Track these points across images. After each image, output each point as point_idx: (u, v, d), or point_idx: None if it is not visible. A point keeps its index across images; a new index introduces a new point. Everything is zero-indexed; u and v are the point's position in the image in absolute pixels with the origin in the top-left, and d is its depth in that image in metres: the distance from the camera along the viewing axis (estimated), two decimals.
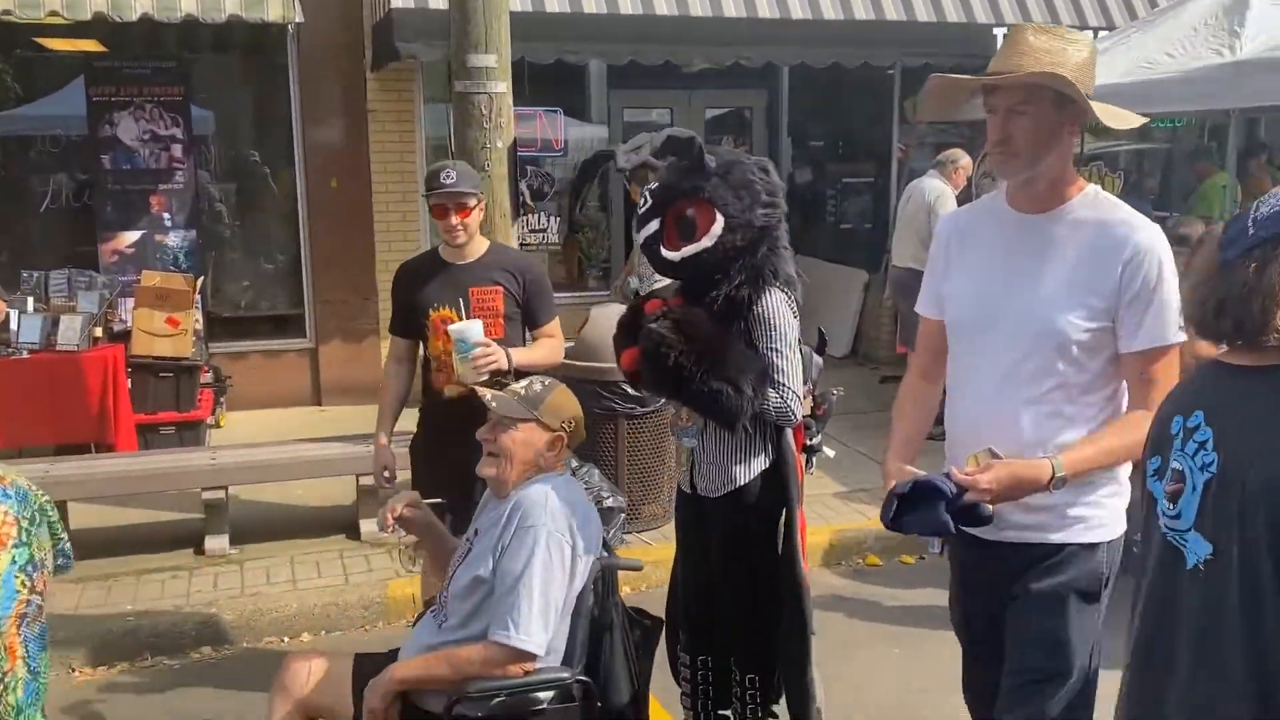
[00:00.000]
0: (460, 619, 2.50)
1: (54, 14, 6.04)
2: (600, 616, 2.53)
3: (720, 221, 2.79)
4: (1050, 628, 2.29)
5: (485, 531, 2.55)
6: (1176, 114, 9.17)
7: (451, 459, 3.50)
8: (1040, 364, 2.24)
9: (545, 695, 2.43)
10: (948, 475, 2.13)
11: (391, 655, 2.65)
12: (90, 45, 7.43)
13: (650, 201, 2.92)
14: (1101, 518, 2.30)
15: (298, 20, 6.63)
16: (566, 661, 2.48)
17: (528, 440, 2.56)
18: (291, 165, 7.79)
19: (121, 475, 5.12)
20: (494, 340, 3.37)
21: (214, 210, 8.03)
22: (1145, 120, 2.37)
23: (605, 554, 2.59)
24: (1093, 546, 2.29)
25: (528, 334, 3.70)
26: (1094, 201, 2.27)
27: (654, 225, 2.90)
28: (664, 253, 2.89)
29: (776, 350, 2.86)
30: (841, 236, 10.16)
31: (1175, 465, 1.67)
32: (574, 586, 2.46)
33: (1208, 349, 4.83)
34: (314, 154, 7.69)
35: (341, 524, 5.40)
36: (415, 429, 3.75)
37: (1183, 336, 2.20)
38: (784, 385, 2.85)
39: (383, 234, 7.79)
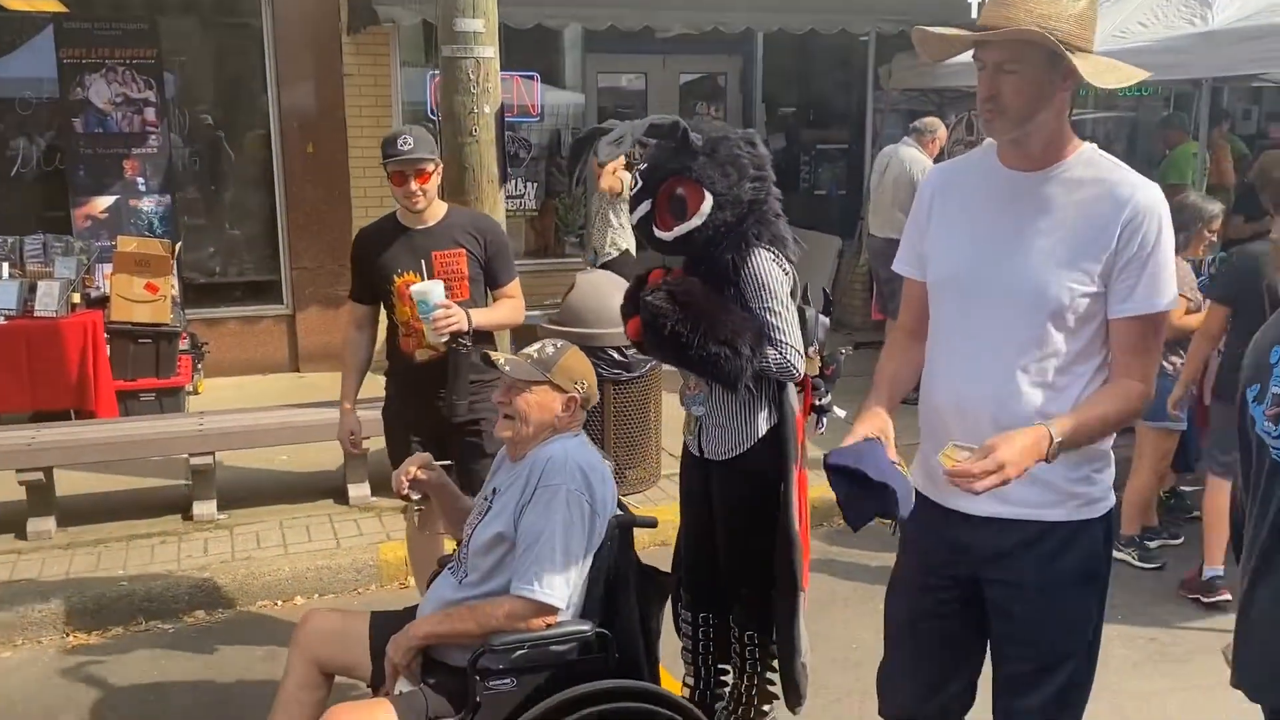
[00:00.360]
0: (481, 574, 2.56)
1: None
2: (616, 571, 2.60)
3: (709, 200, 2.81)
4: (1054, 609, 2.20)
5: (504, 490, 2.60)
6: (1145, 82, 9.28)
7: (424, 421, 3.55)
8: (1033, 332, 2.11)
9: (565, 648, 2.50)
10: (905, 510, 2.00)
11: (409, 613, 2.71)
12: (53, 6, 7.27)
13: (640, 183, 2.95)
14: (1094, 494, 2.21)
15: None
16: (585, 615, 2.55)
17: (542, 402, 2.61)
18: (267, 129, 7.69)
19: (109, 441, 5.10)
20: (458, 302, 3.39)
21: (188, 175, 7.91)
22: (1148, 75, 2.21)
23: (620, 511, 2.65)
24: (1090, 523, 2.20)
25: (488, 294, 3.69)
26: (1091, 160, 2.13)
27: (646, 206, 2.93)
28: (657, 233, 2.92)
29: (769, 309, 2.88)
30: (815, 203, 10.20)
31: (1276, 390, 1.79)
32: (592, 542, 2.52)
33: (1183, 319, 4.88)
34: (290, 118, 7.60)
35: (329, 489, 5.43)
36: (385, 394, 3.77)
37: (1178, 303, 2.23)
38: (782, 342, 2.88)
39: (360, 199, 7.71)
